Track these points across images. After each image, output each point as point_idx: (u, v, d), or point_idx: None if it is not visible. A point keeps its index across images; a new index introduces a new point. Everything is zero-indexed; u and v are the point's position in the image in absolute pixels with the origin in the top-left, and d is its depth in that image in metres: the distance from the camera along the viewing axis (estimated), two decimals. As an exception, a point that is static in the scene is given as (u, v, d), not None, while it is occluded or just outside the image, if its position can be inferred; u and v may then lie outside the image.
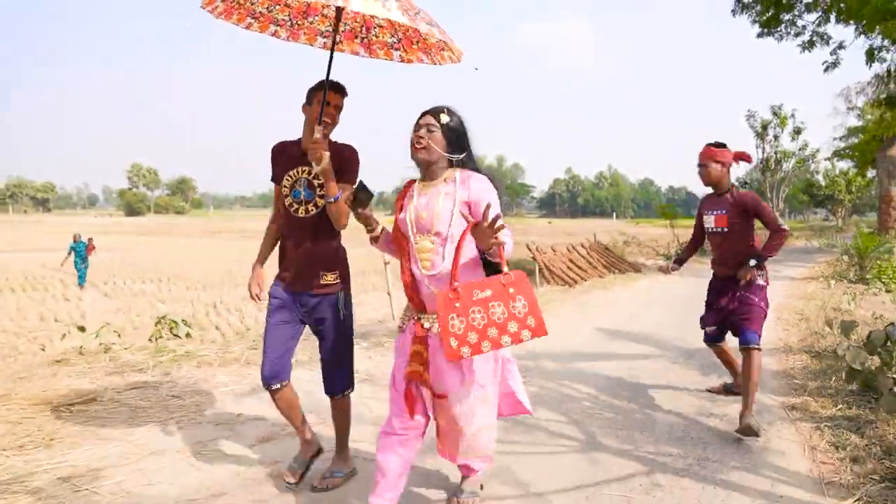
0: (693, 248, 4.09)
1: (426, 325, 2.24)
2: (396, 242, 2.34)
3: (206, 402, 4.02)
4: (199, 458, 3.11)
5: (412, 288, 2.26)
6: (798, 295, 9.27)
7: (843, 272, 12.05)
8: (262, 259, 2.84)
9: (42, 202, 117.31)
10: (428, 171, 2.28)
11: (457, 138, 2.24)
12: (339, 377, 2.75)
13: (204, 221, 72.97)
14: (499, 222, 1.94)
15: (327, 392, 2.78)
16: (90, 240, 16.13)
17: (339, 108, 2.58)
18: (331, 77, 2.47)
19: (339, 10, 2.41)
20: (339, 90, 2.57)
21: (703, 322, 3.93)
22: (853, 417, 3.56)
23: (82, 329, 5.40)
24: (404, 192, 2.37)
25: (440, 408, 2.32)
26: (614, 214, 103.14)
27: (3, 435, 3.33)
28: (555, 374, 4.78)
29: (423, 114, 2.27)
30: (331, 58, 2.45)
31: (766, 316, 3.60)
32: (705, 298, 3.93)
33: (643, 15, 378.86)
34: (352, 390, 2.81)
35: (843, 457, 3.03)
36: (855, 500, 2.56)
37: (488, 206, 1.97)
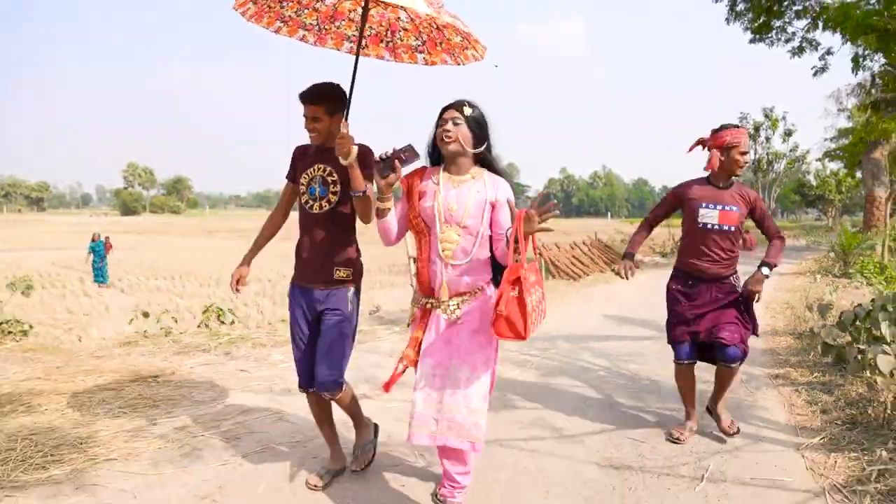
0: (645, 236, 3.41)
1: (445, 315, 2.30)
2: (415, 229, 2.36)
3: (271, 375, 4.64)
4: (283, 414, 3.73)
5: (428, 270, 2.32)
6: (786, 288, 9.97)
7: (828, 267, 12.78)
8: (248, 259, 2.84)
9: (37, 202, 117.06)
10: (454, 164, 2.32)
11: (480, 129, 2.29)
12: (331, 370, 2.58)
13: (200, 221, 73.25)
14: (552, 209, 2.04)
15: (319, 388, 2.61)
16: (107, 238, 16.64)
17: (317, 119, 2.53)
18: (355, 80, 2.44)
19: (365, 10, 2.42)
20: (310, 100, 2.52)
21: (683, 332, 3.21)
22: (826, 382, 4.23)
23: (146, 315, 6.01)
24: (416, 176, 2.39)
25: (430, 386, 2.27)
26: (609, 214, 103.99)
27: (114, 399, 3.95)
28: (571, 352, 5.44)
29: (446, 108, 2.29)
30: (356, 61, 2.46)
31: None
32: (677, 304, 3.25)
33: (640, 16, 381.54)
34: (341, 390, 2.66)
35: (814, 410, 3.70)
36: (820, 439, 3.22)
37: (541, 193, 2.13)
